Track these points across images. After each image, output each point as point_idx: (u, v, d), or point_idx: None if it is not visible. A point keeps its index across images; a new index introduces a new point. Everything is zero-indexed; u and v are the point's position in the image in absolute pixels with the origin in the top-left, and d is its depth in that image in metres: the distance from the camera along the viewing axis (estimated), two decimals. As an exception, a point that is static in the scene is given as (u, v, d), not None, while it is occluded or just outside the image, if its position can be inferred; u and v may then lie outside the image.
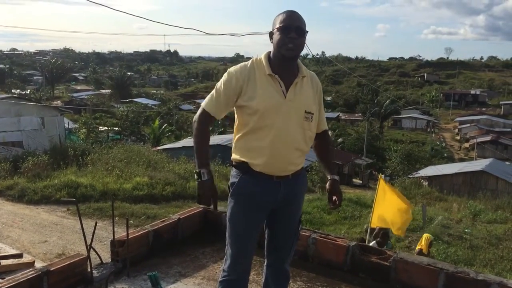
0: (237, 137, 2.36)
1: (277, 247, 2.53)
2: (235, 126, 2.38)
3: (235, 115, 2.37)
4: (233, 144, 2.39)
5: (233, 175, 2.38)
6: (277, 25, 2.23)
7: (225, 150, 17.23)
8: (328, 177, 2.56)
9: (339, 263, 3.59)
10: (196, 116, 2.36)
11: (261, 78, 2.25)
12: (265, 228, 2.53)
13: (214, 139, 22.31)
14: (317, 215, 12.23)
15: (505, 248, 10.59)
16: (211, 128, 2.38)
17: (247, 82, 2.25)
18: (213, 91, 2.33)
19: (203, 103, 2.36)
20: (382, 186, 7.25)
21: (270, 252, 2.56)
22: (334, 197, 2.52)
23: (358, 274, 3.50)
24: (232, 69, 2.32)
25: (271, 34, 2.29)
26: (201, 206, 2.23)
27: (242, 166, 2.32)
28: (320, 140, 2.55)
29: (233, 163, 2.38)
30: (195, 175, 2.28)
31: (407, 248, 10.16)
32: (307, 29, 2.26)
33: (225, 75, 2.31)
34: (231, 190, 2.38)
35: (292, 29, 2.20)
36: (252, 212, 2.34)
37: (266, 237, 2.54)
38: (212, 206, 2.33)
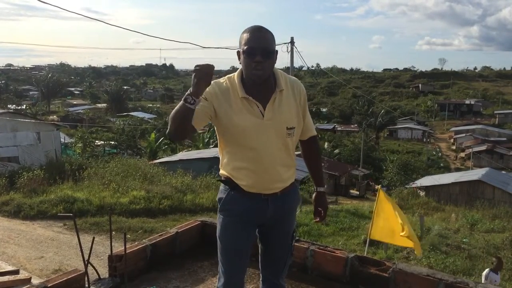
0: (221, 153, 2.31)
1: (270, 263, 2.50)
2: (218, 142, 2.32)
3: (216, 132, 2.30)
4: (220, 159, 2.34)
5: (221, 190, 2.34)
6: (242, 47, 2.07)
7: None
8: (315, 188, 2.52)
9: (338, 275, 3.57)
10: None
11: (236, 101, 2.12)
12: (259, 244, 2.50)
13: (211, 152, 22.27)
14: (315, 226, 12.22)
15: (503, 258, 10.57)
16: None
17: (222, 104, 2.13)
18: None
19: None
20: (382, 197, 7.25)
21: (264, 268, 2.53)
22: (320, 209, 2.49)
23: (357, 285, 3.48)
24: (213, 83, 2.14)
25: (238, 54, 2.13)
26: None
27: (229, 182, 2.28)
28: (307, 147, 2.46)
29: (222, 178, 2.33)
30: (183, 101, 1.95)
31: (405, 259, 10.14)
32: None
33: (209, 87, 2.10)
34: (219, 206, 2.35)
35: (257, 52, 2.03)
36: (240, 227, 2.30)
37: (259, 252, 2.52)
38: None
